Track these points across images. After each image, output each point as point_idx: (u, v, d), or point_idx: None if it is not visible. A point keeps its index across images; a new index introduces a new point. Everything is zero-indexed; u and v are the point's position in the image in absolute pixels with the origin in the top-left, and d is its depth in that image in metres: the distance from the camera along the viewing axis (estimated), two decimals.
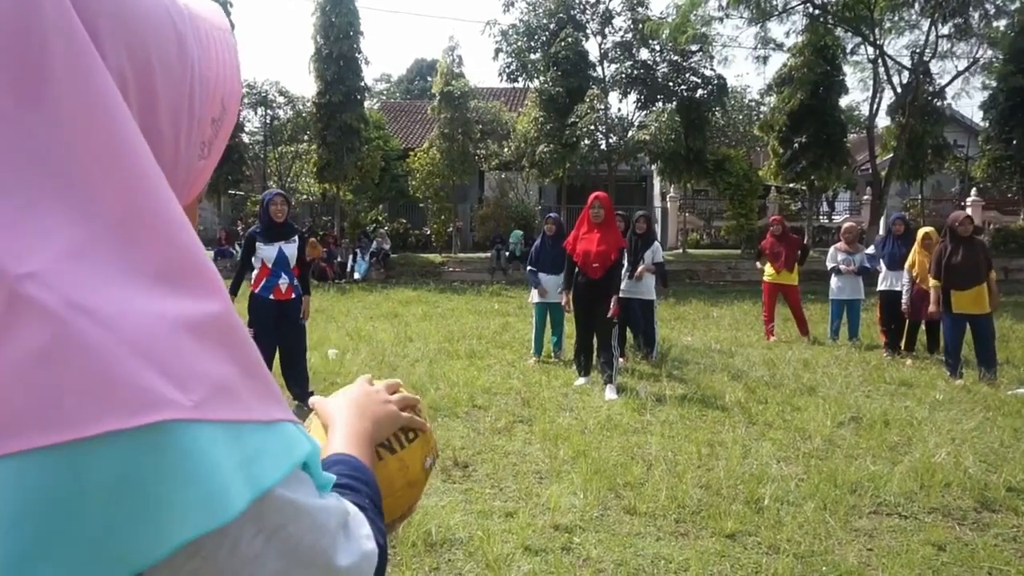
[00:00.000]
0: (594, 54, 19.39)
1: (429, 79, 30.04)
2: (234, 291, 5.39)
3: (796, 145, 18.19)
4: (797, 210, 23.48)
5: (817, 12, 17.96)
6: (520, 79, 19.95)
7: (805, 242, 11.90)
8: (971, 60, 19.04)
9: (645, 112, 19.37)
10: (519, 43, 19.36)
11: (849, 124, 20.77)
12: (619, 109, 26.33)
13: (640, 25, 18.64)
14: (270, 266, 5.28)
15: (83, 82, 0.42)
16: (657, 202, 24.73)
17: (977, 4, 17.18)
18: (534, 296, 7.40)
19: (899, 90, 18.60)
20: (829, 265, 8.56)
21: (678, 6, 17.78)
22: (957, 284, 6.43)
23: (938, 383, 6.43)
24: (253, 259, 5.36)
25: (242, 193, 23.03)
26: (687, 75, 19.26)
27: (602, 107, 18.48)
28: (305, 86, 71.16)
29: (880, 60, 18.41)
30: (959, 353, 6.64)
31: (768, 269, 8.91)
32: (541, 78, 18.75)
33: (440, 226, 20.46)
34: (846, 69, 19.37)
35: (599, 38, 19.56)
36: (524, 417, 5.25)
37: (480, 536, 3.22)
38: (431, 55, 52.25)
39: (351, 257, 17.81)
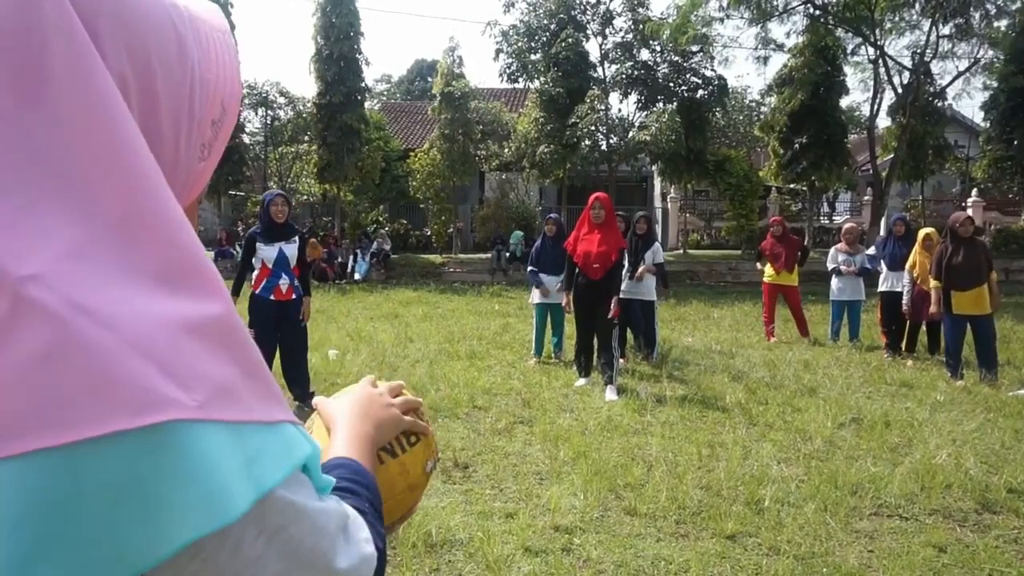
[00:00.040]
0: (595, 55, 19.40)
1: (429, 80, 30.03)
2: (236, 292, 5.40)
3: (797, 146, 18.18)
4: (798, 211, 23.46)
5: (818, 12, 17.95)
6: (520, 80, 19.95)
7: (806, 243, 11.92)
8: (972, 60, 19.05)
9: (646, 113, 19.36)
10: (520, 44, 19.36)
11: (850, 125, 20.75)
12: (619, 110, 26.39)
13: (641, 26, 18.63)
14: (270, 266, 5.28)
15: (83, 82, 0.42)
16: (658, 203, 24.72)
17: (978, 4, 17.17)
18: (534, 297, 7.40)
19: (900, 91, 18.60)
20: (830, 266, 8.56)
21: (679, 7, 17.78)
22: (958, 285, 6.43)
23: (939, 384, 6.43)
24: (253, 260, 5.36)
25: (243, 194, 23.03)
26: (688, 76, 19.26)
27: (603, 108, 18.48)
28: (306, 87, 71.27)
29: (881, 61, 18.41)
30: (960, 354, 6.63)
31: (768, 270, 8.91)
32: (542, 79, 18.75)
33: (440, 227, 20.46)
34: (847, 70, 19.39)
35: (600, 39, 19.56)
36: (524, 418, 5.25)
37: (480, 537, 3.22)
38: (431, 56, 52.29)
39: (351, 258, 17.81)
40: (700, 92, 19.22)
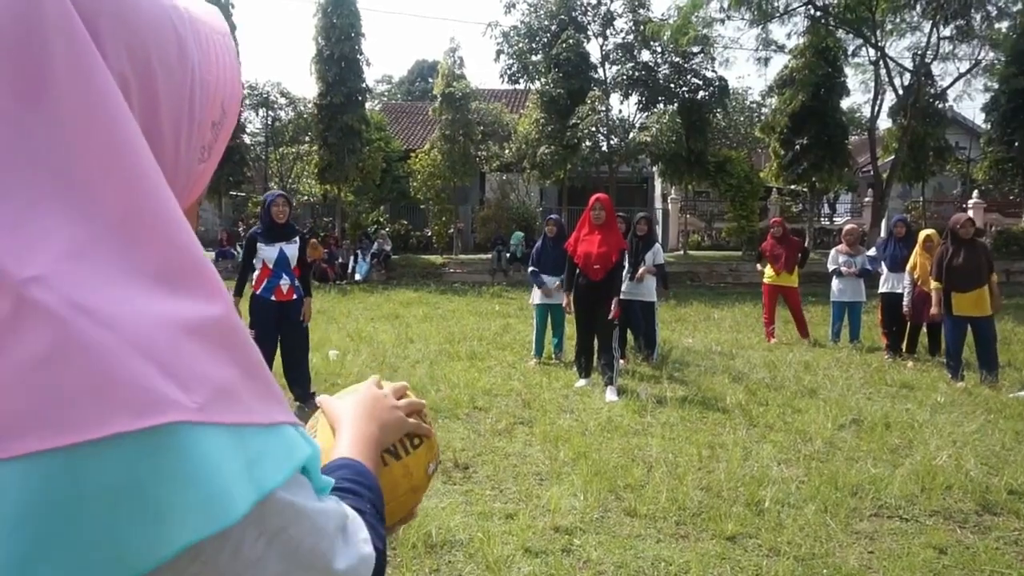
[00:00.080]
0: (595, 56, 19.42)
1: (430, 80, 30.07)
2: (238, 292, 5.42)
3: (797, 147, 18.19)
4: (798, 212, 23.47)
5: (818, 14, 17.95)
6: (521, 81, 19.98)
7: (806, 244, 11.91)
8: (973, 62, 19.06)
9: (646, 114, 19.38)
10: (520, 45, 19.38)
11: (850, 126, 20.79)
12: (620, 111, 26.35)
13: (641, 27, 18.64)
14: (271, 267, 5.28)
15: (84, 82, 0.42)
16: (658, 204, 24.73)
17: (979, 6, 17.17)
18: (535, 297, 7.40)
19: (901, 92, 18.59)
20: (830, 267, 8.56)
21: (679, 8, 17.78)
22: (958, 286, 6.42)
23: (939, 385, 6.42)
24: (254, 260, 5.36)
25: (243, 194, 23.05)
26: (688, 77, 19.27)
27: (603, 109, 18.49)
28: (306, 87, 71.32)
29: (882, 62, 18.41)
30: (960, 355, 6.63)
31: (768, 271, 8.91)
32: (542, 79, 18.76)
33: (441, 227, 20.47)
34: (847, 71, 19.42)
35: (600, 40, 19.57)
36: (525, 419, 5.25)
37: (480, 538, 3.21)
38: (432, 56, 52.26)
39: (352, 258, 17.82)
40: (701, 93, 19.23)
